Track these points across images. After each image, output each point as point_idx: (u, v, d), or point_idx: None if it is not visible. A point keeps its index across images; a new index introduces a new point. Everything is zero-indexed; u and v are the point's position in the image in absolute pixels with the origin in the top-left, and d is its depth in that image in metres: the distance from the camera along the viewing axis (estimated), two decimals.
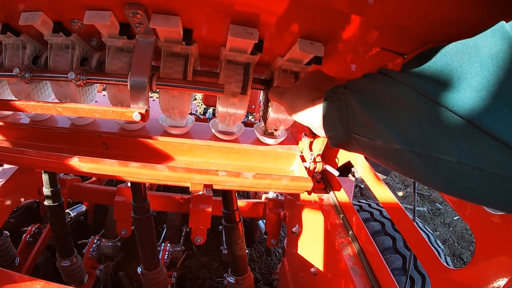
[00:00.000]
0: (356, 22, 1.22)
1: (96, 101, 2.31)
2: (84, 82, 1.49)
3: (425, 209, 5.14)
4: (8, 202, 2.13)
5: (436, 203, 5.31)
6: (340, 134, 0.82)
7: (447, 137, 0.52)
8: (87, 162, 1.58)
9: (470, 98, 0.50)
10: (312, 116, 0.98)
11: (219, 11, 1.27)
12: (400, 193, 5.36)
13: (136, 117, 1.43)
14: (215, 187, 1.60)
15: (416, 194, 1.44)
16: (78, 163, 1.58)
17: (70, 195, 2.66)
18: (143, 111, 1.43)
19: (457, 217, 5.06)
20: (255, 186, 1.59)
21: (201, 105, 7.30)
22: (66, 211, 2.71)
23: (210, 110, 5.35)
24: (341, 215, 1.81)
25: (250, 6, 1.21)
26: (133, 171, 1.57)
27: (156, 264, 2.16)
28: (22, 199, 2.29)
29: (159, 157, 1.84)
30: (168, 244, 2.64)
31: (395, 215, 1.50)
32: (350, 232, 1.72)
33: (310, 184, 1.63)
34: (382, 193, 1.57)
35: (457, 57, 0.55)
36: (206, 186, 1.60)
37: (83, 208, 2.90)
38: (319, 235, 1.85)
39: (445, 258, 2.16)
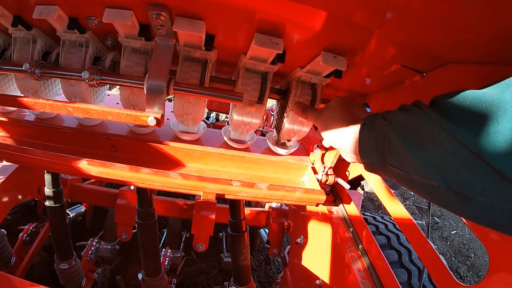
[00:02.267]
0: (380, 38, 1.18)
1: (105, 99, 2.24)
2: (98, 82, 1.43)
3: (423, 222, 5.13)
4: (7, 200, 2.05)
5: (435, 217, 5.31)
6: (376, 161, 0.84)
7: (482, 182, 0.58)
8: (96, 166, 1.52)
9: (503, 152, 0.55)
10: (346, 140, 1.00)
11: (245, 18, 1.23)
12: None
13: (152, 121, 1.37)
14: (227, 196, 1.55)
15: (430, 212, 1.41)
16: (87, 166, 1.52)
17: (71, 195, 2.57)
18: (158, 116, 1.38)
19: (455, 231, 5.07)
20: (268, 197, 1.54)
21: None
22: (66, 211, 2.62)
23: (213, 114, 5.27)
24: (350, 229, 1.77)
25: (278, 16, 1.17)
26: (145, 177, 1.51)
27: (158, 271, 2.09)
28: (20, 197, 2.20)
29: (170, 163, 1.78)
30: (169, 250, 2.56)
31: (407, 229, 1.46)
32: (360, 246, 1.68)
33: (323, 197, 1.59)
34: (395, 207, 1.53)
35: (492, 109, 0.59)
36: (218, 196, 1.55)
37: (82, 209, 2.81)
38: (327, 248, 1.80)
39: None
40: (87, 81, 1.42)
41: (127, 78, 1.46)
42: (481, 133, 0.58)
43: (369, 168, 0.89)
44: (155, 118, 1.37)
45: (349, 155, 1.02)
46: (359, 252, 1.67)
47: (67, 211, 2.62)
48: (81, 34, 1.49)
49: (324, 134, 1.16)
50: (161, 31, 1.32)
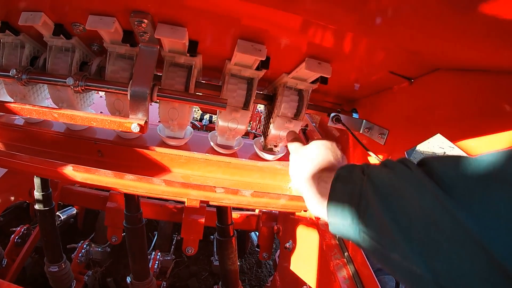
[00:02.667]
0: (367, 45, 1.18)
1: (93, 103, 2.22)
2: (83, 88, 1.42)
3: None
4: None
5: None
6: (346, 223, 0.68)
7: (482, 282, 0.44)
8: (81, 172, 1.51)
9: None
10: (313, 188, 0.84)
11: (227, 25, 1.22)
12: None
13: (135, 128, 1.36)
14: (211, 203, 1.53)
15: None
16: (72, 172, 1.50)
17: (61, 198, 2.56)
18: (142, 123, 1.37)
19: None
20: (252, 204, 1.53)
21: (198, 110, 7.14)
22: (57, 213, 2.62)
23: (207, 116, 5.24)
24: (337, 236, 1.74)
25: (260, 21, 1.15)
26: (129, 184, 1.50)
27: (147, 274, 2.08)
28: (13, 198, 2.20)
29: (156, 168, 1.76)
30: (159, 253, 2.55)
31: None
32: (346, 254, 1.65)
33: None
34: None
35: (506, 187, 0.46)
36: (203, 202, 1.53)
37: (74, 211, 2.80)
38: (314, 254, 1.78)
39: None
40: (72, 87, 1.41)
41: (112, 84, 1.45)
42: (490, 219, 0.45)
43: (336, 229, 0.72)
44: (139, 125, 1.36)
45: (314, 207, 0.84)
46: (345, 260, 1.64)
47: (58, 213, 2.62)
48: (67, 39, 1.48)
49: (292, 172, 1.02)
50: (144, 38, 1.31)
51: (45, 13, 1.31)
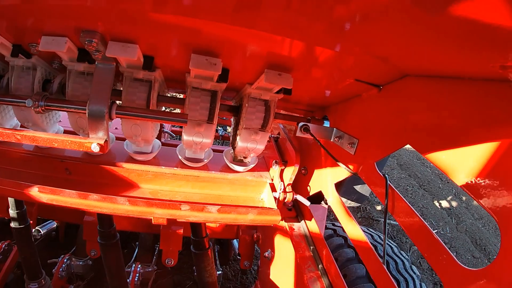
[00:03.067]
0: (329, 53, 1.12)
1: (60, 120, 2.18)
2: (43, 109, 1.38)
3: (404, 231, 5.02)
4: None
5: None
6: None
7: None
8: (46, 193, 1.46)
9: None
10: None
11: (179, 39, 1.17)
12: (379, 207, 5.28)
13: (95, 148, 1.32)
14: (179, 220, 1.48)
15: (386, 233, 1.34)
16: (38, 193, 1.46)
17: (40, 213, 2.51)
18: (102, 142, 1.32)
19: (436, 230, 4.99)
20: (220, 220, 1.48)
21: None
22: (36, 228, 2.56)
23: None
24: (311, 247, 1.71)
25: (214, 36, 1.11)
26: (93, 204, 1.45)
27: None
28: None
29: (123, 185, 1.72)
30: (139, 266, 2.50)
31: (361, 250, 1.40)
32: (320, 266, 1.62)
33: (278, 218, 1.52)
34: (351, 228, 1.46)
35: None
36: (169, 220, 1.48)
37: (54, 224, 2.74)
38: (290, 265, 1.74)
39: (420, 284, 2.06)
40: (32, 108, 1.36)
41: (71, 103, 1.40)
42: None
43: None
44: (99, 144, 1.32)
45: None
46: (319, 272, 1.60)
47: (38, 228, 2.56)
48: (27, 59, 1.44)
49: None
50: (97, 56, 1.26)
51: (1, 35, 1.28)
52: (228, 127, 5.63)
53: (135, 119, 1.49)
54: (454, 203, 6.18)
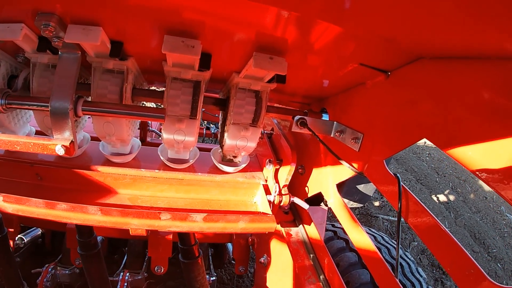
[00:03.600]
0: (329, 32, 0.92)
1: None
2: (5, 107, 1.18)
3: (402, 219, 4.87)
4: None
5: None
6: None
7: None
8: (11, 203, 1.26)
9: None
10: None
11: (149, 18, 0.96)
12: (377, 203, 5.09)
13: (60, 150, 1.12)
14: (159, 231, 1.28)
15: (399, 248, 1.15)
16: (2, 203, 1.26)
17: (22, 220, 2.29)
18: (67, 143, 1.11)
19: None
20: (206, 230, 1.27)
21: None
22: (20, 236, 2.36)
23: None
24: (311, 255, 1.50)
25: (188, 10, 0.90)
26: (61, 214, 1.24)
27: None
28: None
29: (99, 190, 1.50)
30: (127, 274, 2.28)
31: (368, 259, 1.22)
32: (322, 277, 1.41)
33: (273, 225, 1.32)
34: (357, 235, 1.26)
35: None
36: (149, 231, 1.27)
37: (39, 231, 2.52)
38: (288, 274, 1.53)
39: (427, 287, 1.90)
40: None
41: (35, 100, 1.20)
42: None
43: None
44: (63, 146, 1.12)
45: None
46: (321, 284, 1.40)
47: (21, 236, 2.36)
48: None
49: None
50: (58, 44, 1.06)
51: None
52: None
53: (105, 116, 1.27)
54: (451, 197, 6.03)
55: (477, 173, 0.77)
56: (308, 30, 0.93)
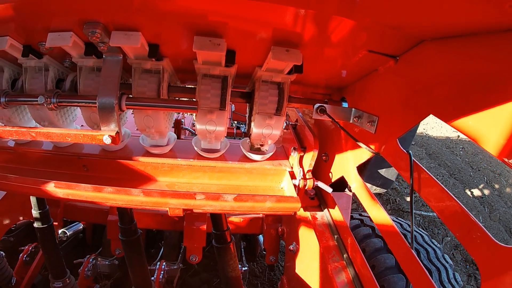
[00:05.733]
0: (340, 23, 1.04)
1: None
2: (56, 105, 1.36)
3: (435, 213, 4.82)
4: (5, 221, 2.05)
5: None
6: None
7: None
8: (62, 188, 1.43)
9: None
10: None
11: (180, 22, 1.11)
12: (408, 198, 5.06)
13: (107, 140, 1.29)
14: (194, 211, 1.41)
15: (413, 220, 1.22)
16: (54, 188, 1.43)
17: (65, 214, 2.52)
18: (113, 134, 1.28)
19: None
20: (236, 209, 1.40)
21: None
22: (63, 229, 2.57)
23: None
24: (335, 236, 1.60)
25: (213, 14, 1.04)
26: (108, 196, 1.40)
27: (148, 286, 1.98)
28: (21, 218, 2.17)
29: (140, 178, 1.67)
30: (164, 263, 2.45)
31: (388, 236, 1.30)
32: (345, 256, 1.51)
33: (297, 205, 1.42)
34: (376, 212, 1.35)
35: None
36: (185, 210, 1.41)
37: (80, 226, 2.74)
38: (315, 256, 1.65)
39: (453, 274, 1.92)
40: (45, 105, 1.35)
41: (83, 98, 1.38)
42: None
43: None
44: (110, 136, 1.29)
45: None
46: (344, 262, 1.50)
47: (64, 230, 2.57)
48: (39, 59, 1.44)
49: None
50: (103, 48, 1.23)
51: (10, 36, 1.28)
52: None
53: (146, 110, 1.44)
54: (486, 191, 5.90)
55: (480, 143, 0.85)
56: (322, 25, 1.06)
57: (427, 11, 0.83)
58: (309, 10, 0.95)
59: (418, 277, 1.12)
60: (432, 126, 9.10)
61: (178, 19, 1.10)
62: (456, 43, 0.94)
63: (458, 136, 8.42)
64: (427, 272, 1.09)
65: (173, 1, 0.98)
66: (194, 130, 4.11)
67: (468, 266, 4.07)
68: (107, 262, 2.54)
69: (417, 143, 7.48)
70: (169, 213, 1.42)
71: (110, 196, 1.41)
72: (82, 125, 1.99)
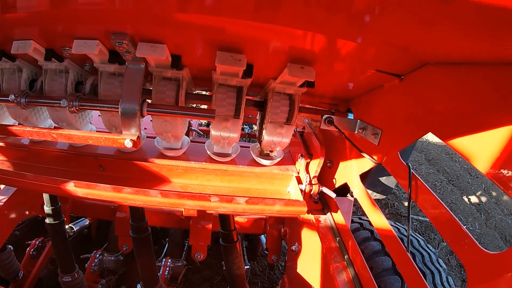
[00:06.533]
0: (350, 46, 1.17)
1: (99, 115, 2.29)
2: (77, 108, 1.47)
3: (429, 220, 4.97)
4: (12, 217, 2.13)
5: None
6: None
7: None
8: (82, 187, 1.56)
9: None
10: None
11: (204, 38, 1.24)
12: (406, 203, 5.23)
13: (128, 144, 1.41)
14: (208, 212, 1.56)
15: (410, 223, 1.37)
16: (74, 188, 1.56)
17: (73, 210, 2.65)
18: (134, 138, 1.41)
19: (465, 226, 4.93)
20: (248, 211, 1.55)
21: None
22: (70, 225, 2.70)
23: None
24: (337, 238, 1.75)
25: (236, 32, 1.17)
26: (127, 197, 1.54)
27: (156, 282, 2.12)
28: (27, 212, 2.29)
29: (155, 179, 1.81)
30: (169, 260, 2.60)
31: (387, 240, 1.44)
32: (346, 257, 1.66)
33: (304, 209, 1.58)
34: (376, 217, 1.50)
35: None
36: (199, 212, 1.56)
37: (86, 222, 2.88)
38: (317, 257, 1.79)
39: (446, 277, 2.07)
40: (67, 108, 1.46)
41: (104, 102, 1.49)
42: None
43: None
44: (132, 140, 1.40)
45: None
46: (345, 263, 1.65)
47: (71, 225, 2.70)
48: (60, 62, 1.55)
49: None
50: (128, 57, 1.35)
51: (34, 41, 1.38)
52: (254, 126, 5.74)
53: (165, 116, 1.58)
54: (483, 199, 6.08)
55: (472, 161, 1.00)
56: (331, 45, 1.18)
57: (432, 40, 0.97)
58: (317, 34, 1.09)
59: (413, 279, 1.25)
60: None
61: (202, 35, 1.22)
62: (457, 69, 1.07)
63: None
64: (421, 275, 1.24)
65: (199, 20, 1.08)
66: (201, 131, 4.28)
67: (462, 271, 4.24)
68: (113, 258, 2.68)
69: (417, 148, 7.64)
70: (183, 213, 1.56)
71: (129, 197, 1.54)
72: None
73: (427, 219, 4.99)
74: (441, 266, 2.12)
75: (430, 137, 8.99)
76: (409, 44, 1.07)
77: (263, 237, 3.09)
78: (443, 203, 1.15)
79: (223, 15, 1.02)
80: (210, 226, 2.34)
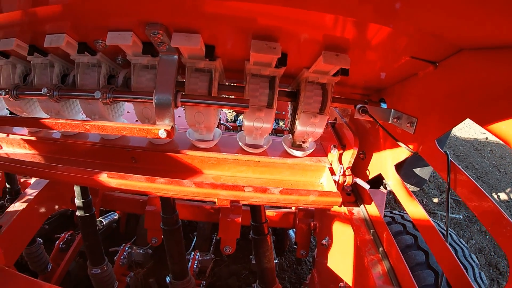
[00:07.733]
0: (384, 32, 1.17)
1: (128, 112, 2.34)
2: (111, 100, 1.52)
3: (461, 216, 4.94)
4: (42, 211, 2.21)
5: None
6: None
7: None
8: (115, 178, 1.60)
9: None
10: None
11: (240, 26, 1.26)
12: (435, 200, 5.19)
13: (162, 134, 1.44)
14: (242, 202, 1.58)
15: (449, 214, 1.37)
16: (107, 178, 1.60)
17: (103, 204, 2.72)
18: (168, 128, 1.44)
19: None
20: (282, 201, 1.56)
21: (231, 112, 7.27)
22: (99, 219, 2.78)
23: (241, 117, 5.35)
24: (371, 230, 1.75)
25: (273, 20, 1.19)
26: (160, 187, 1.58)
27: (185, 274, 2.16)
28: (57, 207, 2.37)
29: (187, 171, 1.85)
30: (198, 253, 2.65)
31: (425, 231, 1.44)
32: (381, 249, 1.66)
33: (339, 200, 1.59)
34: (413, 208, 1.50)
35: None
36: (233, 202, 1.58)
37: (116, 216, 2.96)
38: (349, 250, 1.79)
39: (479, 273, 2.05)
40: (100, 100, 1.51)
41: (137, 94, 1.53)
42: None
43: None
44: (166, 130, 1.44)
45: None
46: (380, 255, 1.65)
47: (100, 219, 2.78)
48: (92, 56, 1.60)
49: None
50: (162, 48, 1.38)
51: (67, 34, 1.43)
52: (280, 121, 5.79)
53: (198, 106, 1.61)
54: None
55: (510, 144, 1.00)
56: (365, 32, 1.19)
57: (468, 25, 0.97)
58: (350, 20, 1.10)
59: (454, 272, 1.25)
60: (460, 127, 9.14)
61: (237, 24, 1.23)
62: (493, 53, 1.06)
63: (487, 138, 8.43)
64: (462, 267, 1.24)
65: (234, 7, 1.09)
66: (230, 125, 4.34)
67: (491, 270, 4.17)
68: (141, 251, 2.75)
69: (445, 144, 7.55)
70: (217, 204, 1.59)
71: (162, 187, 1.58)
72: None
73: (456, 216, 4.93)
74: (474, 262, 2.10)
75: (458, 132, 8.86)
76: (444, 31, 1.07)
77: (291, 232, 3.11)
78: (485, 192, 1.14)
79: (256, 1, 1.04)
80: (240, 219, 2.38)
